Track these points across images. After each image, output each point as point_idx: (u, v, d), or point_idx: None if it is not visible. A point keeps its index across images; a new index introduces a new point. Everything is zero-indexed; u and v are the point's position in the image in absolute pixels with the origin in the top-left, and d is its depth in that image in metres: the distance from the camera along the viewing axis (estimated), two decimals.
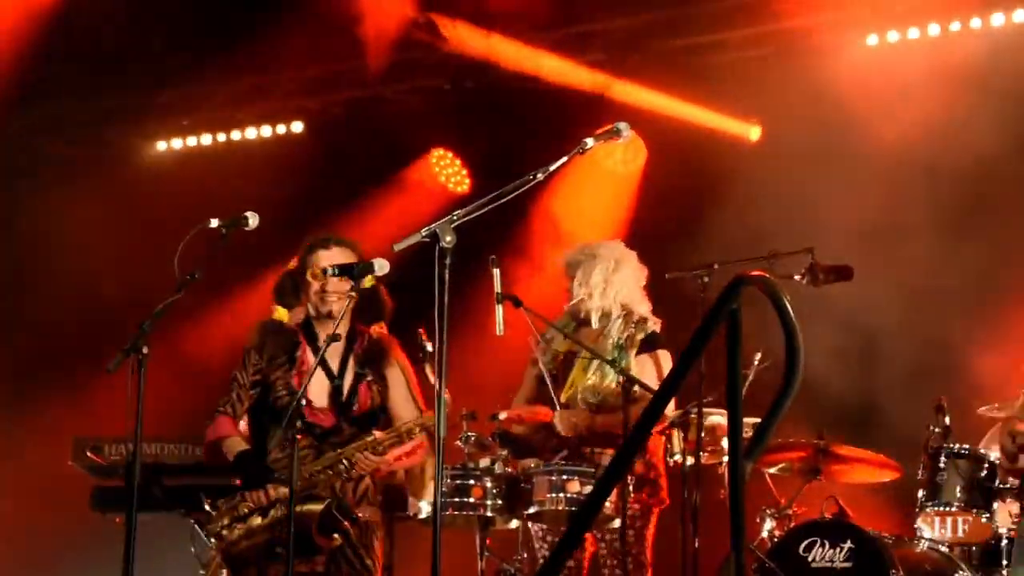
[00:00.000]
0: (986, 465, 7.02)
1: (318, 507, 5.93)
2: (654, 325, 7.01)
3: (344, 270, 6.15)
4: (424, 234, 5.00)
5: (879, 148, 9.14)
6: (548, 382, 6.90)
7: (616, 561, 6.78)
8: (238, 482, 6.06)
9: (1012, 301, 8.69)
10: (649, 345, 6.96)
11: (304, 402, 6.12)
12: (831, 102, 9.27)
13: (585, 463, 6.63)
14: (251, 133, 11.40)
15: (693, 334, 3.23)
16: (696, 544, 6.62)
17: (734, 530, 3.05)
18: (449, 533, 6.08)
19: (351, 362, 6.37)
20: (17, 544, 10.43)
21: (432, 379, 5.82)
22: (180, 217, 6.41)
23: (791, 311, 3.06)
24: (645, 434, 3.80)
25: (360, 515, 6.14)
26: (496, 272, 6.42)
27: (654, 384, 6.70)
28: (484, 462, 6.50)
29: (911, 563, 6.90)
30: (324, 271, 6.24)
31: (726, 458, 6.79)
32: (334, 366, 6.34)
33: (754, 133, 9.96)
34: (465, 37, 10.21)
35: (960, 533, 7.15)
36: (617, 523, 6.59)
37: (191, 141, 11.56)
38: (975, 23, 9.34)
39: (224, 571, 6.08)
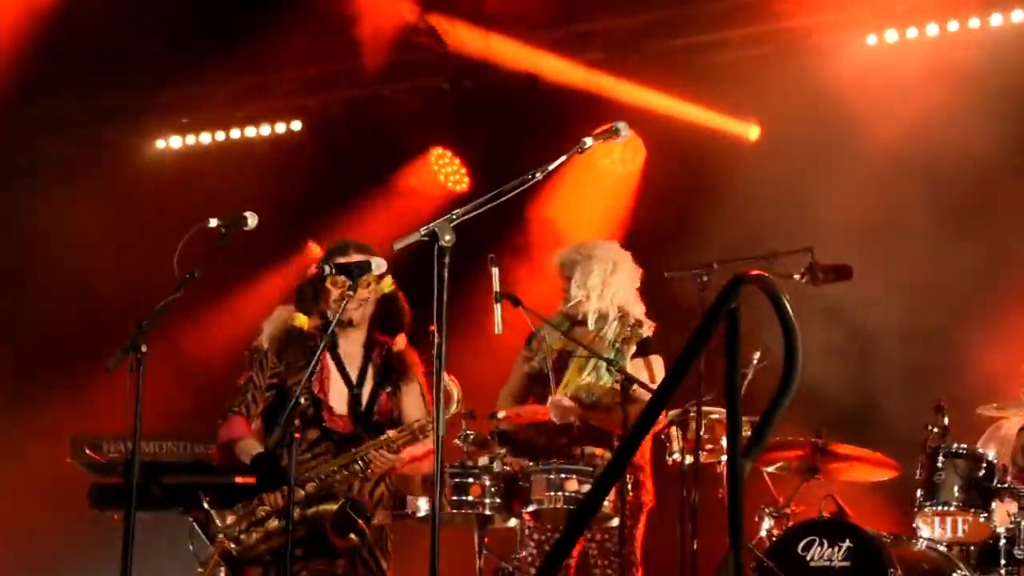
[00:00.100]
0: (984, 465, 7.02)
1: (333, 507, 5.96)
2: (648, 329, 7.01)
3: (342, 270, 6.15)
4: (423, 233, 5.00)
5: (878, 148, 9.15)
6: (550, 378, 6.90)
7: (607, 561, 6.79)
8: (238, 480, 6.06)
9: (1011, 301, 8.70)
10: (642, 350, 6.96)
11: (323, 406, 6.19)
12: (830, 102, 9.27)
13: (576, 462, 6.64)
14: (251, 132, 11.41)
15: (692, 333, 3.23)
16: (695, 543, 6.62)
17: (733, 529, 3.05)
18: (447, 531, 6.08)
19: (370, 371, 6.39)
20: (16, 541, 10.43)
21: (449, 379, 5.88)
22: (179, 216, 6.42)
23: (790, 310, 3.07)
24: (645, 433, 3.80)
25: (376, 519, 6.18)
26: (495, 271, 6.42)
27: (644, 393, 6.66)
28: (483, 460, 6.50)
29: (909, 562, 6.90)
30: (330, 268, 6.22)
31: (725, 457, 6.80)
32: (353, 374, 6.37)
33: (753, 133, 9.96)
34: (464, 37, 10.22)
35: (958, 533, 7.15)
36: (615, 522, 6.59)
37: (191, 140, 11.56)
38: (973, 23, 9.35)
39: (222, 570, 6.08)
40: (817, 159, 9.25)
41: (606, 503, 6.43)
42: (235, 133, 11.44)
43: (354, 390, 6.34)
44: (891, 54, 9.52)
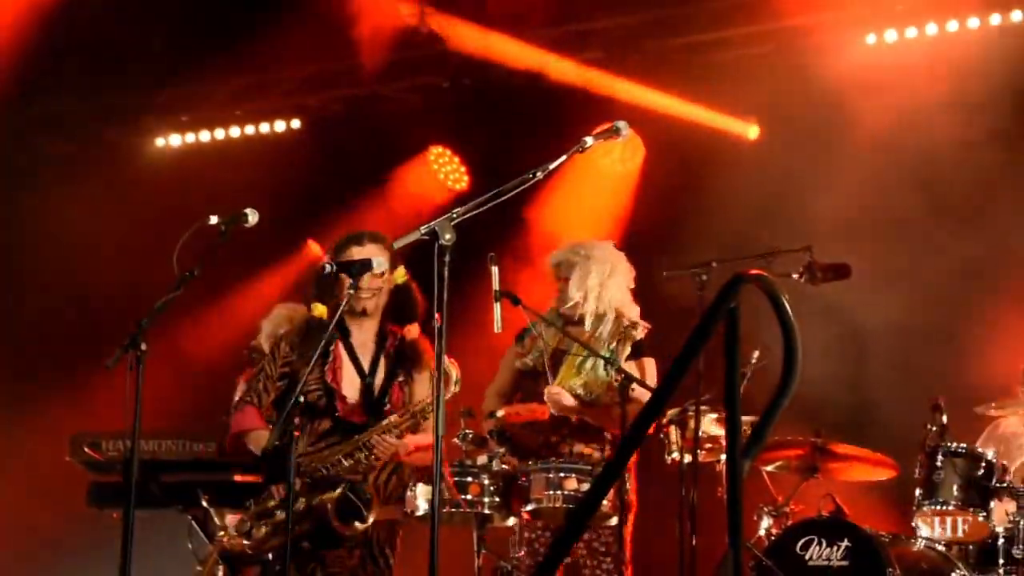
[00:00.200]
0: (983, 464, 7.03)
1: (334, 494, 5.97)
2: (642, 332, 7.00)
3: (343, 267, 6.16)
4: (423, 232, 5.01)
5: (877, 147, 9.15)
6: (548, 376, 6.90)
7: (595, 562, 6.79)
8: (238, 478, 6.06)
9: (1010, 300, 8.70)
10: (635, 352, 6.96)
11: (336, 396, 6.22)
12: (829, 101, 9.28)
13: (565, 460, 6.65)
14: (250, 131, 11.41)
15: (691, 333, 3.23)
16: (694, 542, 6.63)
17: (732, 528, 3.05)
18: (446, 530, 6.09)
19: (382, 361, 6.40)
20: (15, 540, 10.44)
21: (449, 361, 5.90)
22: (179, 215, 6.41)
23: (789, 310, 3.07)
24: (646, 431, 3.80)
25: (386, 515, 6.19)
26: (494, 269, 6.42)
27: (640, 393, 6.65)
28: (481, 459, 6.51)
29: (908, 562, 6.91)
30: (335, 266, 6.22)
31: (723, 456, 6.80)
32: (365, 364, 6.38)
33: (752, 132, 9.96)
34: (464, 35, 10.22)
35: (957, 532, 7.15)
36: (614, 521, 6.60)
37: (190, 138, 11.56)
38: (973, 23, 9.36)
39: (220, 568, 6.09)
40: (816, 158, 9.26)
41: (605, 502, 6.43)
42: (235, 132, 11.44)
43: (366, 379, 6.36)
44: (890, 53, 9.52)
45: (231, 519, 6.22)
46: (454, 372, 6.12)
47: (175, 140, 11.59)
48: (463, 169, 10.98)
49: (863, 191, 9.08)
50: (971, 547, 7.14)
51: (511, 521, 6.70)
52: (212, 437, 7.97)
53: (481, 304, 6.68)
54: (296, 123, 11.33)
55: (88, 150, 11.53)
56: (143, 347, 5.54)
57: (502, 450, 6.60)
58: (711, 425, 6.88)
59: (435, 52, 10.40)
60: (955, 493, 7.00)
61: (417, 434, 6.34)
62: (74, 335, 10.71)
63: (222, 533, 6.08)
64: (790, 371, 3.07)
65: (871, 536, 6.90)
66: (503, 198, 5.13)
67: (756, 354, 6.72)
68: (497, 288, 6.38)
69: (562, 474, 6.45)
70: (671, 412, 6.80)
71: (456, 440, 6.63)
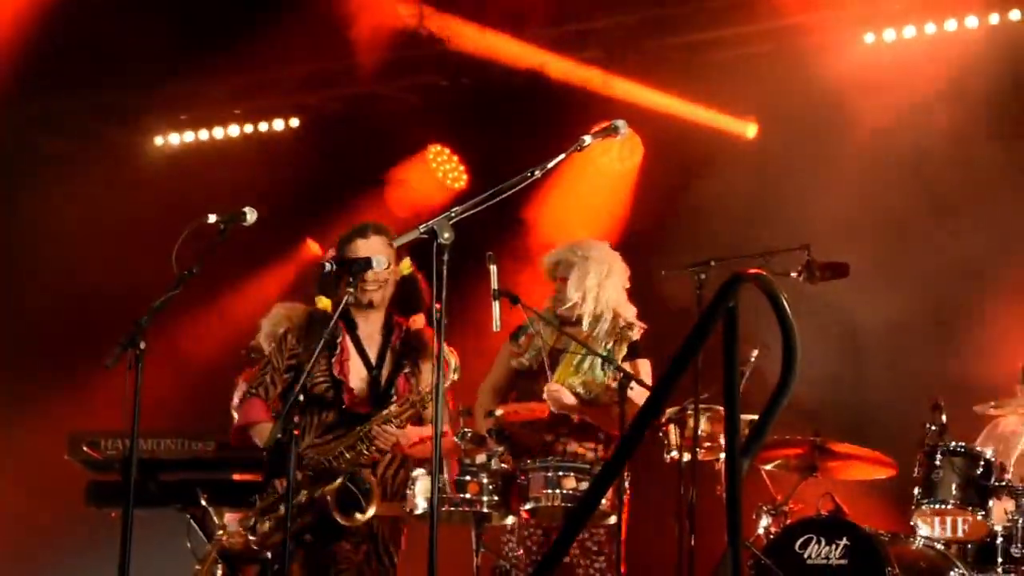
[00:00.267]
0: (982, 463, 7.03)
1: (334, 485, 5.96)
2: (637, 333, 6.99)
3: (343, 266, 6.17)
4: (422, 230, 5.01)
5: (876, 146, 9.16)
6: (548, 375, 6.90)
7: (588, 561, 6.79)
8: (236, 477, 6.06)
9: (1009, 299, 8.70)
10: (631, 354, 6.95)
11: (343, 388, 6.24)
12: (828, 100, 9.28)
13: (564, 458, 6.65)
14: (249, 129, 11.41)
15: (690, 331, 3.23)
16: (692, 541, 6.62)
17: (731, 527, 3.05)
18: (445, 529, 6.08)
19: (389, 354, 6.40)
20: (14, 539, 10.43)
21: (448, 350, 5.94)
22: (178, 213, 6.41)
23: (788, 309, 3.07)
24: (645, 430, 3.79)
25: (391, 511, 6.20)
26: (493, 268, 6.41)
27: (636, 394, 6.65)
28: (480, 458, 6.50)
29: (907, 560, 6.90)
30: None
31: (723, 455, 6.79)
32: (372, 356, 6.39)
33: (751, 130, 9.96)
34: (463, 34, 10.21)
35: (956, 531, 7.15)
36: (613, 520, 6.60)
37: (189, 137, 11.56)
38: (971, 22, 9.36)
39: (219, 567, 6.09)
40: (815, 157, 9.26)
41: (603, 501, 6.43)
42: (234, 131, 11.45)
43: (373, 372, 6.36)
44: (889, 52, 9.53)
45: (230, 518, 6.22)
46: (453, 360, 6.12)
47: (174, 139, 11.59)
48: (462, 168, 10.98)
49: (862, 190, 9.08)
50: (970, 546, 7.14)
51: (510, 520, 6.70)
52: (211, 436, 7.98)
53: (479, 304, 6.68)
54: (295, 122, 11.34)
55: (87, 149, 11.53)
56: (142, 346, 5.54)
57: (501, 449, 6.60)
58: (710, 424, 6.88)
59: (434, 51, 10.40)
60: (954, 492, 7.00)
61: (420, 425, 6.34)
62: (73, 334, 10.70)
63: (221, 532, 6.08)
64: (789, 370, 3.07)
65: (870, 535, 6.89)
66: (501, 197, 5.13)
67: (755, 352, 6.73)
68: (496, 287, 6.37)
69: (561, 473, 6.45)
70: (670, 411, 6.80)
71: (455, 439, 6.62)
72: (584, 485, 6.39)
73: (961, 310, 8.83)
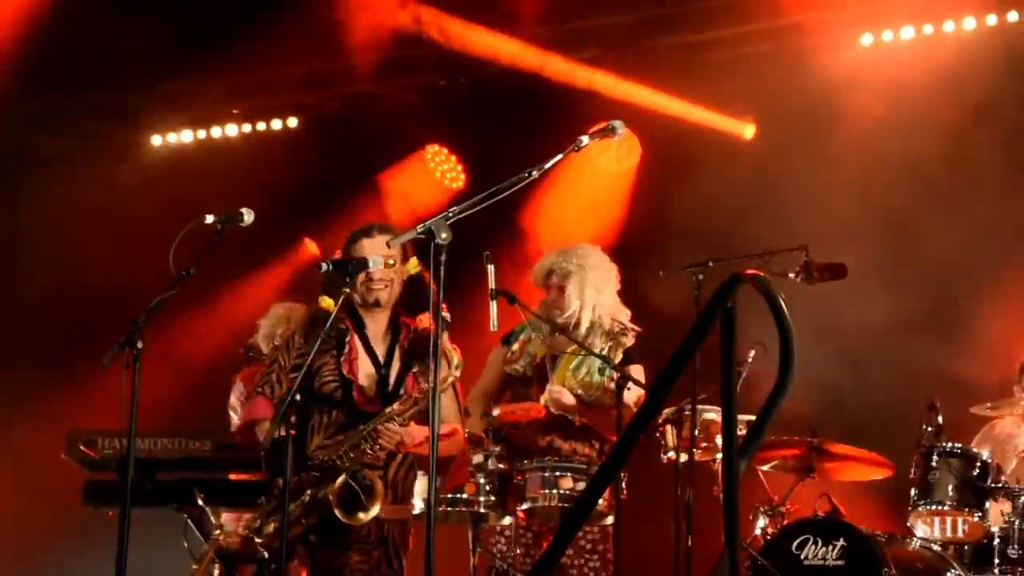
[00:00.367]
0: (978, 464, 7.04)
1: (336, 484, 5.96)
2: (631, 338, 6.99)
3: (339, 266, 6.16)
4: (420, 230, 5.01)
5: (874, 146, 9.16)
6: (549, 372, 6.90)
7: (582, 560, 6.79)
8: (233, 477, 6.06)
9: (1007, 300, 8.71)
10: (626, 359, 6.94)
11: (353, 387, 6.25)
12: (826, 100, 9.29)
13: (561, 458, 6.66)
14: (248, 128, 11.41)
15: (688, 332, 3.23)
16: (689, 542, 6.63)
17: (728, 528, 3.06)
18: (441, 529, 6.09)
19: (397, 353, 6.40)
20: (11, 538, 10.43)
21: (451, 346, 5.95)
22: (176, 213, 6.40)
23: (786, 309, 3.07)
24: (642, 431, 3.80)
25: (399, 515, 6.21)
26: (490, 268, 6.41)
27: (631, 398, 6.64)
28: (477, 458, 6.50)
29: (904, 561, 6.91)
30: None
31: (719, 455, 6.80)
32: (380, 355, 6.38)
33: (748, 131, 9.96)
34: (461, 34, 10.21)
35: (954, 532, 7.16)
36: (610, 520, 6.60)
37: (187, 136, 11.56)
38: (968, 23, 9.37)
39: (216, 566, 6.08)
40: (813, 157, 9.26)
41: (601, 501, 6.44)
42: (232, 130, 11.45)
43: (381, 371, 6.36)
44: (887, 53, 9.54)
45: (227, 517, 6.21)
46: (455, 356, 6.12)
47: (173, 138, 11.59)
48: (460, 168, 10.98)
49: (860, 191, 9.09)
50: (966, 547, 7.15)
51: (507, 520, 6.70)
52: (208, 436, 7.95)
53: (477, 304, 6.68)
54: (294, 121, 11.34)
55: (87, 149, 11.53)
56: (139, 345, 5.54)
57: (497, 449, 6.60)
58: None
59: (433, 51, 10.40)
60: (951, 493, 7.01)
61: (426, 424, 6.33)
62: (72, 333, 10.70)
63: (218, 531, 6.08)
64: (786, 370, 3.07)
65: (867, 536, 6.90)
66: (499, 197, 5.13)
67: (752, 353, 6.73)
68: (493, 286, 6.37)
69: (558, 473, 6.45)
70: (667, 411, 6.80)
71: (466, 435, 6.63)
72: (581, 485, 6.39)
73: (959, 311, 8.83)
